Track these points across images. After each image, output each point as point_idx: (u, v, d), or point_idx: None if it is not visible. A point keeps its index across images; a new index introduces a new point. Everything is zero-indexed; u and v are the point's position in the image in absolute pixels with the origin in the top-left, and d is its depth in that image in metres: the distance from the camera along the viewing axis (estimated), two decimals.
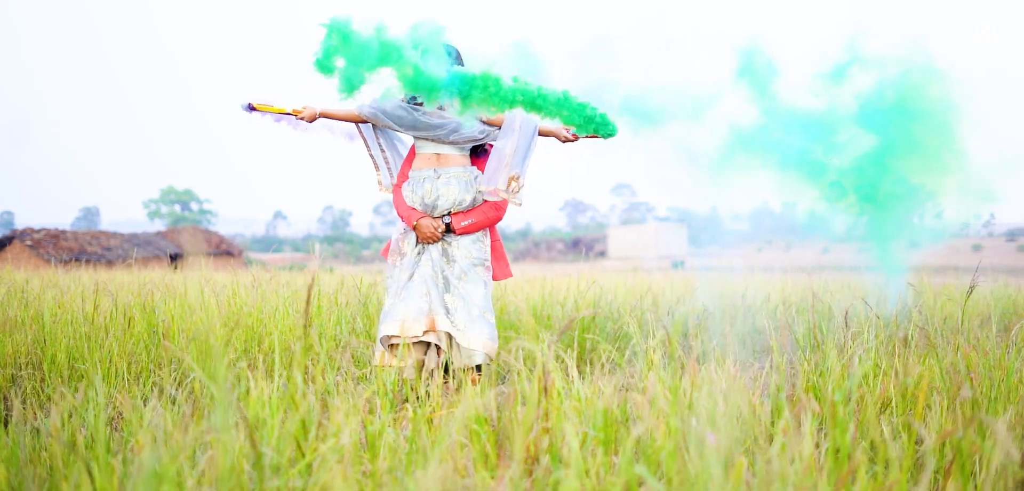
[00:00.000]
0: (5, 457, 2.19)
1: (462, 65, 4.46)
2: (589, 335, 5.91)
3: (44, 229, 24.69)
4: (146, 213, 74.99)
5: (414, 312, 4.45)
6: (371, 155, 4.86)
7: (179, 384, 4.63)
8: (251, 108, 4.31)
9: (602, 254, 73.65)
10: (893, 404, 2.96)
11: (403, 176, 4.73)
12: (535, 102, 4.20)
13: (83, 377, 4.56)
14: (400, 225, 4.72)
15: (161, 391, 4.33)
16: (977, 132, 4.57)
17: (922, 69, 4.59)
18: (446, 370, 4.57)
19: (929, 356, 3.41)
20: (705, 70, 4.65)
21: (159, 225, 70.76)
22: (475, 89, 4.10)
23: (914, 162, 4.71)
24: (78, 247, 24.65)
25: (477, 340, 4.45)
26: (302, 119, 4.41)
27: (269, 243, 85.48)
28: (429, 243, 4.60)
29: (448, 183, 4.58)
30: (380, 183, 4.91)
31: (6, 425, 3.56)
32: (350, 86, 4.04)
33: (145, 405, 3.98)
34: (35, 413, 3.18)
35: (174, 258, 26.58)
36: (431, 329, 4.45)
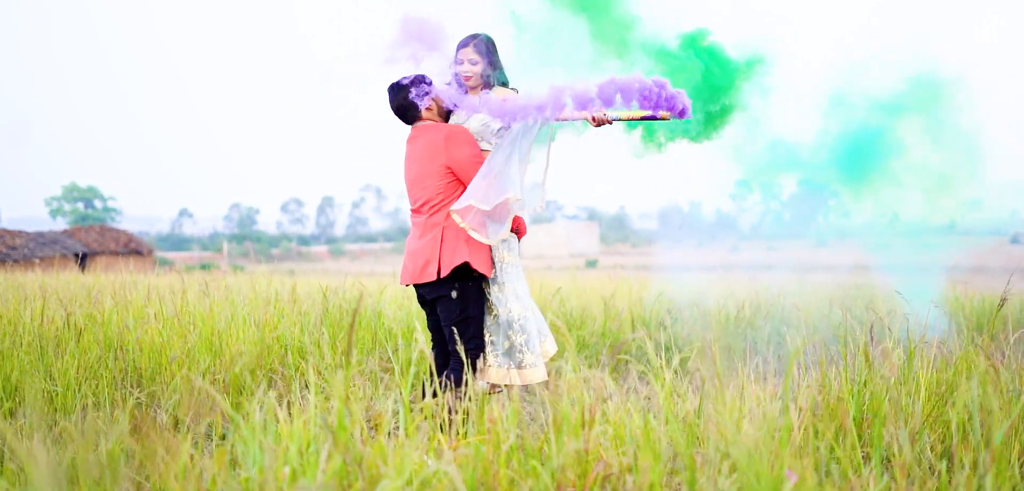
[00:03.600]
0: None
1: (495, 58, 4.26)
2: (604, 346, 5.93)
3: None
4: (48, 211, 71.49)
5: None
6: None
7: (131, 400, 4.43)
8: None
9: None
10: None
11: None
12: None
13: (45, 396, 4.30)
14: (505, 231, 4.13)
15: (132, 413, 4.11)
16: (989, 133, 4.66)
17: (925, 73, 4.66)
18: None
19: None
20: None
21: (62, 223, 67.59)
22: None
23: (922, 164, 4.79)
24: None
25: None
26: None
27: (175, 241, 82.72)
28: None
29: None
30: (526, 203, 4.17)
31: None
32: None
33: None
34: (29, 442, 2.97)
35: (82, 258, 25.44)
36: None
